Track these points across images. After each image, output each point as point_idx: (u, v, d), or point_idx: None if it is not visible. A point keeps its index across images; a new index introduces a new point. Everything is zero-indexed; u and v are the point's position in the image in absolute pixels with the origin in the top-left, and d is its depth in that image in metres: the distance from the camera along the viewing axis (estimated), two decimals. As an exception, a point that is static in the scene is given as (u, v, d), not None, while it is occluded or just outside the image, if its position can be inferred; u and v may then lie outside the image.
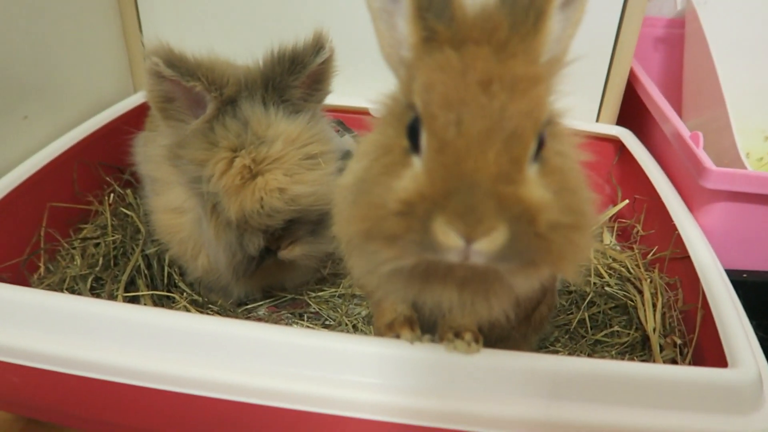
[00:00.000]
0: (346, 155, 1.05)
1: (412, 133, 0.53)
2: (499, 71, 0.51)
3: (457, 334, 0.71)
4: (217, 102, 0.92)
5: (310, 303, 1.17)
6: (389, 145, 0.57)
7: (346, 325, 1.11)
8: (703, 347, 0.91)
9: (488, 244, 0.48)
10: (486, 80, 0.50)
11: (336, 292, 1.20)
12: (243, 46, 0.99)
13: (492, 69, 0.51)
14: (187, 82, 0.88)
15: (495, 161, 0.48)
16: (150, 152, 1.10)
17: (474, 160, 0.48)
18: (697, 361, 0.91)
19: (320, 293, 1.20)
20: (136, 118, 1.35)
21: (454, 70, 0.51)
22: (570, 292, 1.19)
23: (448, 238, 0.48)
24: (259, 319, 1.16)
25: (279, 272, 1.11)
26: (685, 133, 1.19)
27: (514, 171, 0.49)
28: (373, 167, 0.57)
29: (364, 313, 1.14)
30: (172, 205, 1.05)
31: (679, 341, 0.94)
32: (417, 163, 0.52)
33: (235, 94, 0.94)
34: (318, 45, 0.97)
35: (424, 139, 0.52)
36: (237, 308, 1.17)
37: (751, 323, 0.87)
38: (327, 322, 1.13)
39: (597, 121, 1.48)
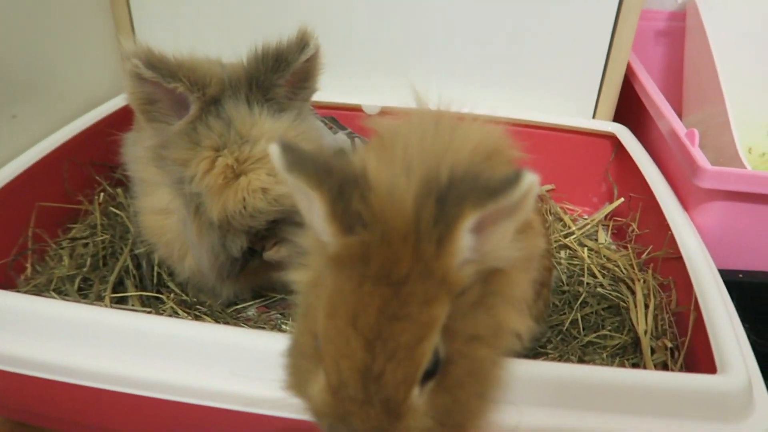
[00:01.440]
0: (339, 152, 1.04)
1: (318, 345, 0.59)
2: (386, 330, 0.53)
3: None
4: (200, 102, 0.91)
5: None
6: (307, 329, 0.62)
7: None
8: (696, 350, 0.89)
9: None
10: (371, 339, 0.53)
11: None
12: (235, 44, 0.97)
13: (380, 327, 0.53)
14: (169, 84, 0.87)
15: (375, 417, 0.55)
16: (136, 153, 1.09)
17: (358, 417, 0.55)
18: (689, 364, 0.89)
19: (310, 293, 1.18)
20: (127, 117, 1.34)
21: (346, 321, 0.54)
22: (563, 292, 1.17)
23: None
24: (249, 320, 1.15)
25: (266, 273, 1.09)
26: (681, 130, 1.16)
27: (393, 420, 0.55)
28: (307, 322, 0.62)
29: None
30: (158, 206, 1.04)
31: (670, 344, 0.92)
32: (322, 378, 0.58)
33: (218, 94, 0.93)
34: (302, 42, 0.95)
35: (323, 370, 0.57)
36: (226, 309, 1.16)
37: (745, 326, 0.85)
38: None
39: (593, 117, 1.45)
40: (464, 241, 0.54)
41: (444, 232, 0.53)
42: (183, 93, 0.89)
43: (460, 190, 0.53)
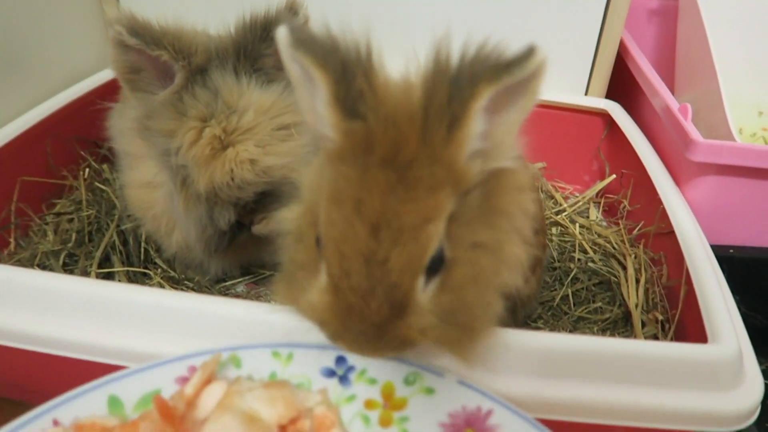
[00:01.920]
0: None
1: (318, 245, 0.58)
2: (391, 212, 0.53)
3: None
4: (185, 71, 0.88)
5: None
6: (310, 221, 0.61)
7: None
8: (686, 324, 0.89)
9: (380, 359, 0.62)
10: (376, 224, 0.53)
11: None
12: (224, 16, 0.95)
13: (384, 209, 0.53)
14: (153, 51, 0.85)
15: (377, 311, 0.54)
16: (121, 125, 1.06)
17: (360, 309, 0.54)
18: (680, 338, 0.89)
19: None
20: (112, 91, 1.31)
21: (350, 205, 0.53)
22: (554, 269, 1.17)
23: (349, 351, 0.59)
24: (238, 296, 1.14)
25: (255, 248, 1.08)
26: (674, 105, 1.15)
27: (396, 313, 0.55)
28: (301, 239, 0.62)
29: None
30: (144, 180, 1.02)
31: (661, 317, 0.91)
32: (323, 278, 0.58)
33: (204, 63, 0.91)
34: (292, 10, 0.94)
35: (323, 270, 0.57)
36: (215, 285, 1.14)
37: (735, 299, 0.85)
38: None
39: (586, 94, 1.44)
40: (477, 124, 0.53)
41: (458, 111, 0.52)
42: (168, 61, 0.87)
43: (474, 67, 0.51)
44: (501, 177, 0.61)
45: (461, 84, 0.51)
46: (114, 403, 0.62)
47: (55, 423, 0.59)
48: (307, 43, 0.54)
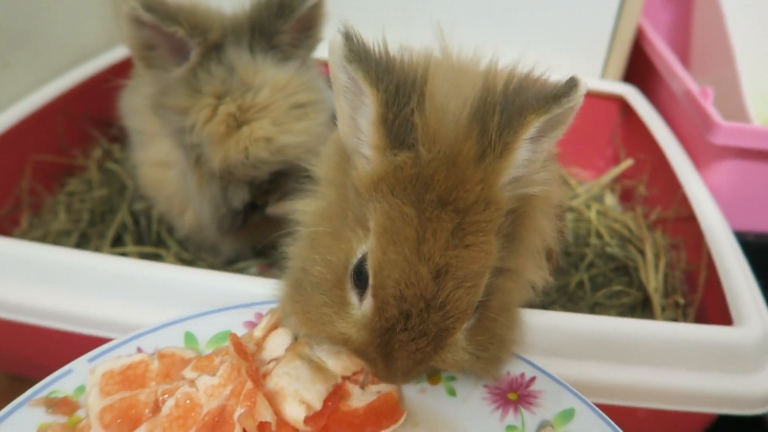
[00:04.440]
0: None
1: (357, 275, 0.57)
2: (454, 259, 0.52)
3: None
4: (201, 48, 0.87)
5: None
6: (334, 230, 0.60)
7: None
8: (707, 307, 0.88)
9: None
10: (440, 270, 0.52)
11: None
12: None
13: (448, 255, 0.52)
14: (168, 27, 0.83)
15: (423, 349, 0.54)
16: (135, 102, 1.05)
17: (406, 349, 0.54)
18: (700, 321, 0.88)
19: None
20: (123, 70, 1.30)
21: (410, 247, 0.52)
22: (569, 254, 1.16)
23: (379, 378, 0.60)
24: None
25: (268, 230, 1.05)
26: (695, 88, 1.13)
27: (436, 352, 0.56)
28: (318, 247, 0.60)
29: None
30: (158, 158, 1.01)
31: (682, 301, 0.90)
32: (357, 310, 0.57)
33: (220, 40, 0.89)
34: (308, -12, 0.92)
35: (370, 309, 0.55)
36: (227, 266, 1.13)
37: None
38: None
39: (602, 77, 1.41)
40: (522, 153, 0.53)
41: (510, 140, 0.51)
42: (183, 38, 0.85)
43: (523, 98, 0.51)
44: (526, 203, 0.60)
45: (512, 114, 0.51)
46: (189, 338, 0.68)
47: (139, 350, 0.66)
48: (362, 56, 0.52)
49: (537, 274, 0.65)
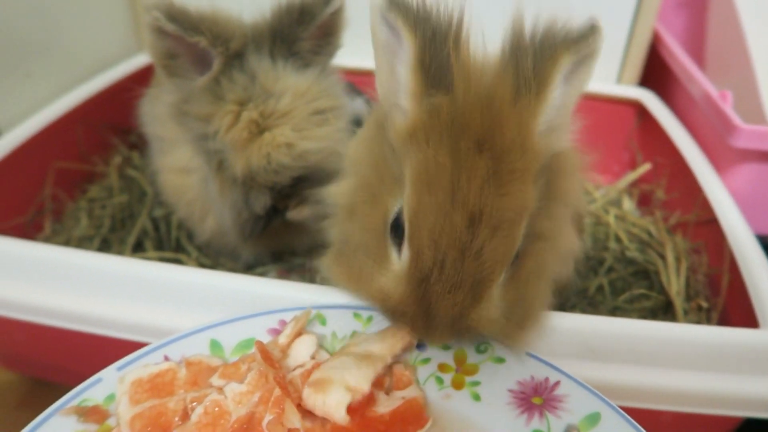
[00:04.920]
0: (356, 119, 1.01)
1: (395, 229, 0.58)
2: (489, 205, 0.52)
3: None
4: (223, 57, 0.88)
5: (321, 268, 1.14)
6: (373, 196, 0.61)
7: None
8: (729, 311, 0.87)
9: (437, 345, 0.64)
10: (474, 215, 0.52)
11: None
12: (253, 4, 0.94)
13: (483, 200, 0.52)
14: (191, 37, 0.84)
15: (461, 302, 0.54)
16: (155, 110, 1.06)
17: (444, 301, 0.54)
18: (724, 325, 0.87)
19: (331, 257, 1.16)
20: (142, 79, 1.32)
21: (445, 192, 0.52)
22: (588, 258, 1.15)
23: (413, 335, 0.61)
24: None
25: (288, 235, 1.07)
26: (713, 91, 1.13)
27: (475, 304, 0.55)
28: (357, 217, 0.62)
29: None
30: (179, 165, 1.02)
31: (705, 305, 0.90)
32: (396, 263, 0.58)
33: (241, 48, 0.90)
34: (328, -7, 0.92)
35: (407, 259, 0.56)
36: (246, 272, 1.14)
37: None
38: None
39: (618, 82, 1.41)
40: (557, 93, 0.54)
41: (543, 79, 0.53)
42: (205, 47, 0.86)
43: (552, 38, 0.54)
44: (559, 161, 0.61)
45: (544, 54, 0.53)
46: (215, 346, 0.68)
47: (166, 358, 0.66)
48: (401, 4, 0.54)
49: (570, 240, 0.65)
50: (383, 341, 0.64)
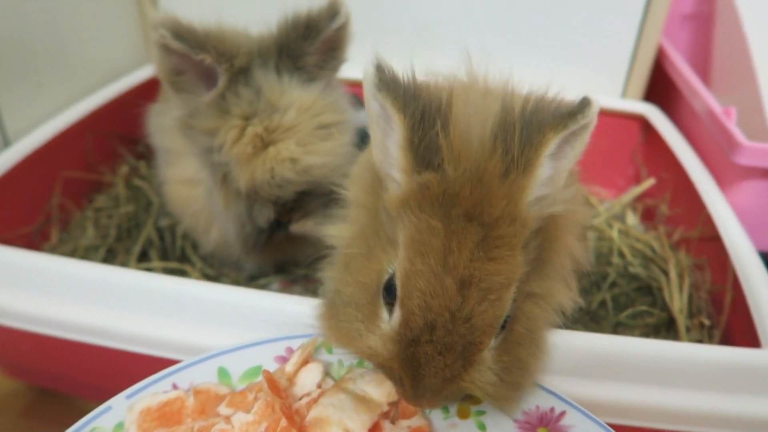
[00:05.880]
0: (361, 131, 1.02)
1: (387, 290, 0.58)
2: (479, 271, 0.54)
3: None
4: (228, 74, 0.89)
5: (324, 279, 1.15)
6: (367, 250, 0.62)
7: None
8: (732, 329, 0.87)
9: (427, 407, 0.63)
10: (465, 281, 0.54)
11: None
12: (260, 15, 0.95)
13: (473, 266, 0.54)
14: (197, 55, 0.85)
15: (451, 365, 0.55)
16: (163, 122, 1.07)
17: (434, 364, 0.55)
18: (726, 343, 0.87)
19: (334, 269, 1.17)
20: (150, 90, 1.33)
21: (436, 258, 0.54)
22: (591, 273, 1.15)
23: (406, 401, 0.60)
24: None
25: (291, 247, 1.08)
26: (717, 108, 1.13)
27: (466, 368, 0.56)
28: (350, 268, 0.62)
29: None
30: (185, 177, 1.03)
31: (707, 322, 0.89)
32: (386, 324, 0.58)
33: (247, 64, 0.91)
34: (333, 10, 0.93)
35: (398, 321, 0.57)
36: (249, 282, 1.15)
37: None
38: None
39: (622, 96, 1.42)
40: (544, 170, 0.55)
41: (531, 156, 0.54)
42: (211, 64, 0.87)
43: (541, 117, 0.54)
44: (552, 224, 0.62)
45: (531, 132, 0.54)
46: (223, 373, 0.69)
47: (174, 386, 0.67)
48: (390, 84, 0.55)
49: (566, 296, 0.65)
50: (381, 386, 0.64)
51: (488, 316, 0.54)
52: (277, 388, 0.63)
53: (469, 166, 0.54)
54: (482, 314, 0.54)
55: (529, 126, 0.54)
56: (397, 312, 0.56)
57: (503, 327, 0.57)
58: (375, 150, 0.59)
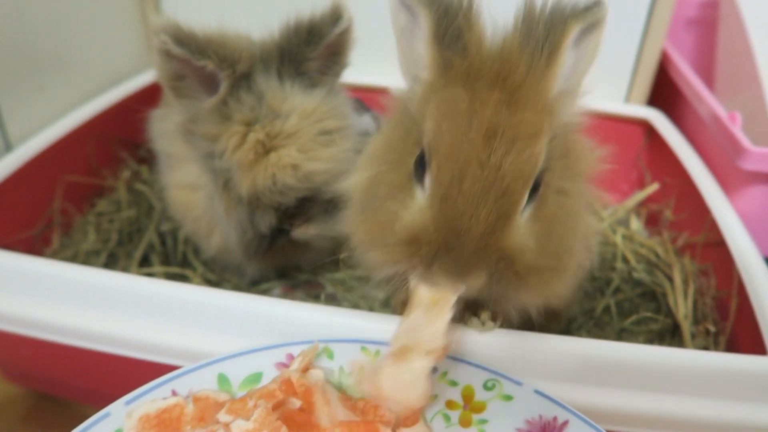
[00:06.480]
0: (365, 136, 1.01)
1: (419, 165, 0.61)
2: (504, 122, 0.57)
3: (475, 313, 0.69)
4: (229, 80, 0.88)
5: (326, 284, 1.14)
6: (397, 161, 0.64)
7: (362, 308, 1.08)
8: (738, 335, 0.86)
9: (471, 286, 0.59)
10: (490, 132, 0.56)
11: (352, 273, 1.16)
12: (262, 19, 0.95)
13: (498, 119, 0.57)
14: (198, 61, 0.85)
15: (485, 219, 0.56)
16: (164, 127, 1.07)
17: (469, 218, 0.56)
18: (731, 350, 0.86)
19: (336, 275, 1.16)
20: (152, 95, 1.33)
21: (462, 116, 0.57)
22: (594, 279, 1.15)
23: (441, 280, 0.59)
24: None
25: (293, 252, 1.08)
26: (722, 113, 1.13)
27: (502, 224, 0.57)
28: (381, 182, 0.65)
29: (381, 296, 1.11)
30: (186, 182, 1.03)
31: (713, 329, 0.89)
32: (420, 197, 0.60)
33: (248, 69, 0.91)
34: (336, 15, 0.93)
35: (429, 181, 0.59)
36: (251, 288, 1.14)
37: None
38: (342, 304, 1.10)
39: (626, 101, 1.41)
40: (568, 58, 0.60)
41: (555, 43, 0.59)
42: (212, 70, 0.87)
43: (561, 8, 0.60)
44: (575, 146, 0.67)
45: (555, 22, 0.59)
46: (222, 380, 0.68)
47: (174, 393, 0.66)
48: None
49: (591, 219, 0.70)
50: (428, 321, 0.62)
51: (518, 164, 0.56)
52: (294, 391, 0.63)
53: (490, 49, 0.60)
54: (512, 162, 0.56)
55: (553, 14, 0.60)
56: (429, 175, 0.59)
57: (534, 192, 0.59)
58: (402, 63, 0.65)
